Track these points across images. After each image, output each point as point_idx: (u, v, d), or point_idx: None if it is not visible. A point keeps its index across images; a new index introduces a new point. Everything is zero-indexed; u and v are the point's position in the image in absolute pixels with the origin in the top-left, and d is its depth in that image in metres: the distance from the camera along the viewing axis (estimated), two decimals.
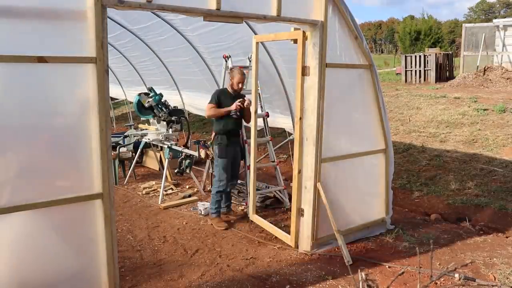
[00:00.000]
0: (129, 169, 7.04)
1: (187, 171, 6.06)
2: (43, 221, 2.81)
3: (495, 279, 3.61)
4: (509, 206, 5.54)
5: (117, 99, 12.93)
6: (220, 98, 4.90)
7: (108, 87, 2.85)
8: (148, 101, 6.37)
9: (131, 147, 7.46)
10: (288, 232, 4.40)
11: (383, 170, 4.66)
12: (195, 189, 6.41)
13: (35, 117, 2.72)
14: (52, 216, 2.82)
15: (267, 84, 6.25)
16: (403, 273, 3.59)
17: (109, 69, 2.93)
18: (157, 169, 7.65)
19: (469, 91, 13.41)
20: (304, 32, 3.93)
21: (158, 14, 6.11)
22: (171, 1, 3.04)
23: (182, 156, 6.07)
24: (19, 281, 2.74)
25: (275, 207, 5.67)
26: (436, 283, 3.54)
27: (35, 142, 2.74)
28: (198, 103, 8.61)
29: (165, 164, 6.24)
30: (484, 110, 10.15)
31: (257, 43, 4.74)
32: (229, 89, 4.99)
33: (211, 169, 6.21)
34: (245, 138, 5.25)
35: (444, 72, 17.96)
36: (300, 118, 4.13)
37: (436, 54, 17.43)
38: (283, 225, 4.96)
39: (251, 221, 5.06)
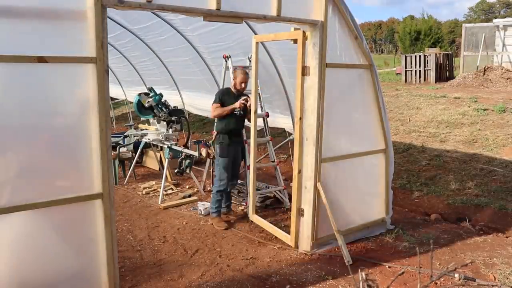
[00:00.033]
0: (129, 169, 7.04)
1: (187, 171, 6.06)
2: (43, 221, 2.81)
3: (495, 279, 3.61)
4: (509, 206, 5.54)
5: (117, 99, 12.93)
6: (224, 97, 4.92)
7: (108, 87, 2.85)
8: (148, 101, 6.37)
9: (131, 147, 7.46)
10: (288, 232, 4.40)
11: (383, 170, 4.66)
12: (195, 189, 6.41)
13: (35, 117, 2.72)
14: (52, 216, 2.82)
15: (267, 84, 6.25)
16: (403, 273, 3.59)
17: (109, 69, 2.93)
18: (157, 169, 7.65)
19: (469, 91, 13.41)
20: (304, 32, 3.93)
21: (158, 14, 6.11)
22: (171, 1, 3.04)
23: (182, 156, 6.07)
24: (19, 281, 2.74)
25: (275, 207, 5.67)
26: (436, 283, 3.54)
27: (35, 142, 2.74)
28: (198, 103, 8.62)
29: (165, 164, 6.24)
30: (484, 110, 10.15)
31: (256, 43, 4.74)
32: (232, 89, 5.01)
33: (211, 168, 6.21)
34: (245, 138, 5.26)
35: (444, 72, 17.96)
36: (300, 118, 4.13)
37: (436, 54, 17.43)
38: (283, 225, 4.96)
39: (251, 221, 5.06)
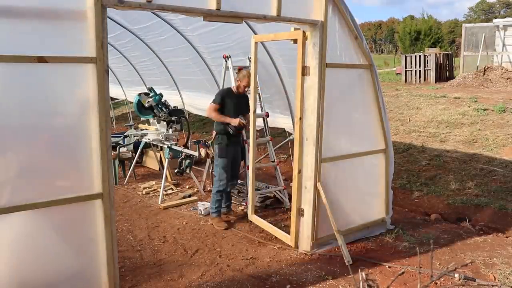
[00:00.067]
0: (129, 169, 7.04)
1: (187, 171, 6.06)
2: (43, 221, 2.81)
3: (495, 279, 3.61)
4: (509, 206, 5.54)
5: (117, 99, 12.93)
6: (225, 99, 4.90)
7: (108, 87, 2.85)
8: (148, 101, 6.37)
9: (131, 147, 7.46)
10: (288, 232, 4.40)
11: (383, 170, 4.66)
12: (195, 189, 6.41)
13: (35, 117, 2.72)
14: (52, 216, 2.82)
15: (267, 84, 6.25)
16: (403, 273, 3.59)
17: (109, 69, 2.93)
18: (157, 169, 7.65)
19: (469, 91, 13.41)
20: (304, 32, 3.93)
21: (158, 14, 6.11)
22: (171, 1, 3.03)
23: (182, 156, 6.07)
24: (19, 281, 2.74)
25: (275, 207, 5.67)
26: (436, 283, 3.54)
27: (35, 142, 2.74)
28: (198, 103, 8.61)
29: (165, 164, 6.24)
30: (484, 110, 10.15)
31: (256, 43, 4.74)
32: (234, 90, 5.01)
33: (211, 168, 6.21)
34: (245, 138, 5.26)
35: (444, 72, 17.96)
36: (300, 118, 4.13)
37: (436, 54, 17.43)
38: (283, 225, 4.96)
39: (251, 221, 5.06)
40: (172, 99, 8.62)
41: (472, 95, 12.02)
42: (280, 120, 6.87)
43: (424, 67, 17.27)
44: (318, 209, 4.13)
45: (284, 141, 7.73)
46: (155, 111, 6.43)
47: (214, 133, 5.14)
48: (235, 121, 4.82)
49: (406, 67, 17.83)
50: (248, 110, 5.02)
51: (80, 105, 2.83)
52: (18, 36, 2.58)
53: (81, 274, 2.97)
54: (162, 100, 6.43)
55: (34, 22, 2.63)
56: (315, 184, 4.07)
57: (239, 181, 5.71)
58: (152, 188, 6.47)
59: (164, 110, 6.41)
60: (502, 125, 9.04)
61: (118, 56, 9.35)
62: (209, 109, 4.93)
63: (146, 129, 7.21)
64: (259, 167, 6.40)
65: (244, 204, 5.63)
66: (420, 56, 17.34)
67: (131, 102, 10.31)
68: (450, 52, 19.80)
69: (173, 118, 6.42)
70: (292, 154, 4.43)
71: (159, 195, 5.96)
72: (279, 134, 9.08)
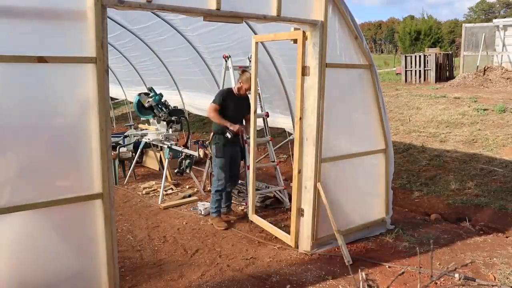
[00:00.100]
0: (129, 169, 7.04)
1: (187, 171, 6.06)
2: (43, 221, 2.81)
3: (495, 279, 3.61)
4: (509, 206, 5.54)
5: (117, 99, 12.93)
6: (225, 100, 4.89)
7: (108, 87, 2.85)
8: (148, 101, 6.37)
9: (131, 147, 7.46)
10: (288, 232, 4.40)
11: (383, 170, 4.66)
12: (195, 189, 6.41)
13: (35, 117, 2.72)
14: (52, 216, 2.82)
15: (267, 84, 6.25)
16: (403, 273, 3.59)
17: (109, 69, 2.93)
18: (157, 169, 7.65)
19: (469, 91, 13.41)
20: (304, 32, 3.93)
21: (158, 14, 6.11)
22: (171, 1, 3.03)
23: (182, 156, 6.07)
24: (19, 281, 2.74)
25: (275, 207, 5.66)
26: (436, 283, 3.54)
27: (35, 142, 2.74)
28: (198, 103, 8.62)
29: (165, 164, 6.24)
30: (484, 110, 10.15)
31: (256, 43, 4.74)
32: (235, 91, 5.00)
33: (210, 168, 6.21)
34: (245, 138, 5.26)
35: (444, 72, 17.96)
36: (300, 118, 4.13)
37: (436, 54, 17.43)
38: (283, 225, 4.96)
39: (251, 221, 5.06)
40: (172, 99, 8.62)
41: (472, 95, 12.02)
42: (280, 120, 6.87)
43: (424, 67, 17.27)
44: (318, 209, 4.13)
45: (284, 141, 7.74)
46: (155, 111, 6.43)
47: (212, 133, 5.14)
48: (234, 127, 4.83)
49: (406, 67, 17.83)
50: (249, 111, 5.01)
51: (80, 105, 2.83)
52: (18, 36, 2.58)
53: (81, 274, 2.97)
54: (162, 100, 6.43)
55: (34, 22, 2.63)
56: (315, 184, 4.07)
57: (239, 181, 5.71)
58: (152, 188, 6.47)
59: (164, 110, 6.41)
60: (502, 125, 9.04)
61: (118, 56, 9.35)
62: (209, 109, 4.93)
63: (146, 129, 7.21)
64: (259, 167, 6.40)
65: (244, 204, 5.63)
66: (420, 56, 17.34)
67: (131, 102, 10.31)
68: (450, 52, 19.80)
69: (173, 118, 6.42)
70: (292, 154, 4.43)
71: (159, 195, 5.96)
72: (279, 134, 9.08)
